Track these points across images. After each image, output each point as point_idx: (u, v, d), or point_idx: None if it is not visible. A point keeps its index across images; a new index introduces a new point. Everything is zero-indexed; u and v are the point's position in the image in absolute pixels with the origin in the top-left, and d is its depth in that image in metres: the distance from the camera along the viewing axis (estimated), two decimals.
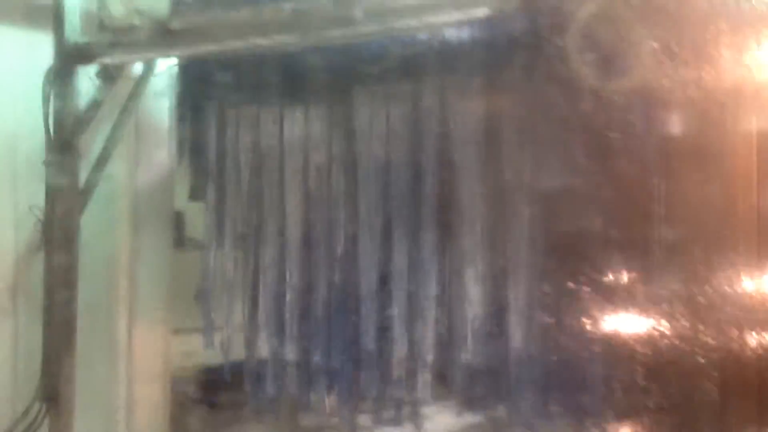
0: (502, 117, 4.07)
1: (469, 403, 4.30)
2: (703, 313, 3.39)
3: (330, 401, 4.69)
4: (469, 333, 4.17)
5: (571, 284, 3.75)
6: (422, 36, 4.19)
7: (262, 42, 4.46)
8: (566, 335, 3.79)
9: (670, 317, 3.48)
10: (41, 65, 4.87)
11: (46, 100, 4.87)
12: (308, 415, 4.97)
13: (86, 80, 4.95)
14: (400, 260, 4.37)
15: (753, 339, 3.30)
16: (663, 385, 3.48)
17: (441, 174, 4.27)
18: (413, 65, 4.28)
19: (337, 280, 4.56)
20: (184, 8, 4.86)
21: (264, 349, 4.77)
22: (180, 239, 5.49)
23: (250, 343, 4.84)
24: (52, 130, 4.88)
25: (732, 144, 3.36)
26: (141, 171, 5.35)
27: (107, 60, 4.90)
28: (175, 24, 4.60)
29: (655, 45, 3.41)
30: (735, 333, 3.33)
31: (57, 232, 4.91)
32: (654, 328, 3.54)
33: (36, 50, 4.91)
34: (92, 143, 5.06)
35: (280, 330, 4.72)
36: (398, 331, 4.37)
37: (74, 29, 4.88)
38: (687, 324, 3.42)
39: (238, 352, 4.89)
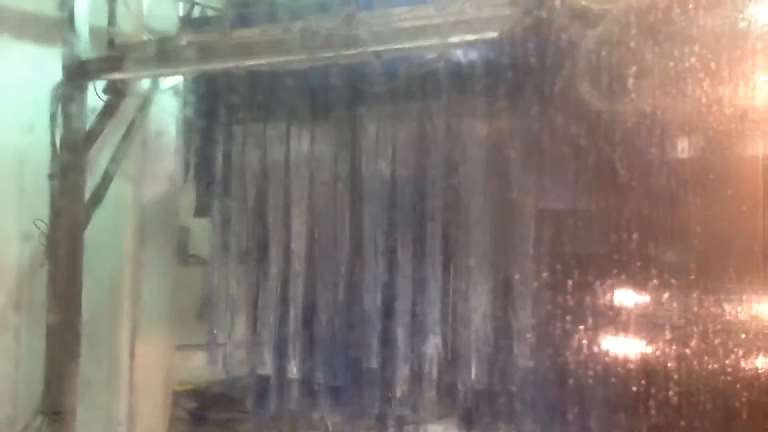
0: (507, 138, 4.08)
1: (470, 421, 4.30)
2: (709, 335, 3.40)
3: (331, 419, 4.70)
4: (472, 352, 4.18)
5: (575, 305, 3.75)
6: (429, 56, 4.20)
7: (269, 60, 4.49)
8: (570, 356, 3.80)
9: (674, 339, 3.49)
10: (49, 80, 4.91)
11: (53, 115, 4.91)
12: None
13: (93, 96, 4.98)
14: (403, 278, 4.38)
15: (759, 362, 3.31)
16: (667, 407, 3.48)
17: (445, 193, 4.28)
18: (419, 85, 4.30)
19: (340, 298, 4.57)
20: (192, 26, 4.91)
21: (266, 365, 4.77)
22: (184, 255, 5.51)
23: (253, 360, 4.84)
24: (58, 144, 4.92)
25: (739, 168, 3.39)
26: (146, 187, 5.37)
27: (115, 76, 4.94)
28: (183, 41, 4.64)
29: (661, 69, 3.44)
30: (740, 355, 3.34)
31: (61, 246, 4.92)
32: (657, 351, 3.55)
33: (44, 65, 4.95)
34: (98, 158, 5.10)
35: (282, 347, 4.72)
36: (401, 349, 4.37)
37: (83, 45, 4.92)
38: (693, 346, 3.43)
39: (241, 369, 4.89)
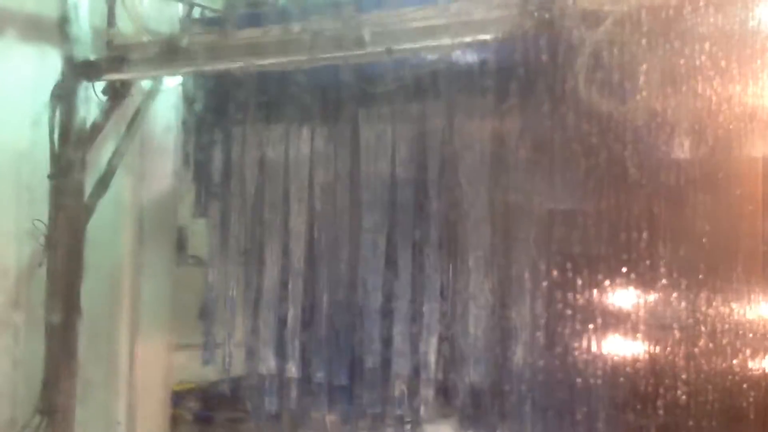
0: (507, 138, 4.10)
1: (470, 421, 4.31)
2: (708, 336, 3.42)
3: (330, 418, 4.71)
4: (471, 352, 4.19)
5: (574, 306, 3.77)
6: (429, 57, 4.21)
7: (269, 61, 4.50)
8: (569, 356, 3.81)
9: (674, 341, 3.50)
10: (49, 81, 4.91)
11: (52, 115, 4.91)
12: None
13: (93, 96, 4.99)
14: (402, 278, 4.40)
15: (759, 363, 3.33)
16: (667, 407, 3.50)
17: (444, 193, 4.30)
18: (419, 86, 4.31)
19: (339, 297, 4.58)
20: (192, 26, 4.92)
21: (265, 365, 4.78)
22: (183, 255, 5.52)
23: (251, 360, 4.85)
24: (57, 144, 4.92)
25: (738, 169, 3.41)
26: (145, 187, 5.38)
27: (115, 77, 4.95)
28: (183, 42, 4.65)
29: (662, 70, 3.46)
30: (741, 356, 3.36)
31: (60, 246, 4.93)
32: (657, 352, 3.57)
33: (44, 66, 4.95)
34: (97, 158, 5.09)
35: (281, 346, 4.73)
36: (400, 348, 4.39)
37: (83, 46, 4.92)
38: (692, 347, 3.45)
39: (240, 369, 4.90)
